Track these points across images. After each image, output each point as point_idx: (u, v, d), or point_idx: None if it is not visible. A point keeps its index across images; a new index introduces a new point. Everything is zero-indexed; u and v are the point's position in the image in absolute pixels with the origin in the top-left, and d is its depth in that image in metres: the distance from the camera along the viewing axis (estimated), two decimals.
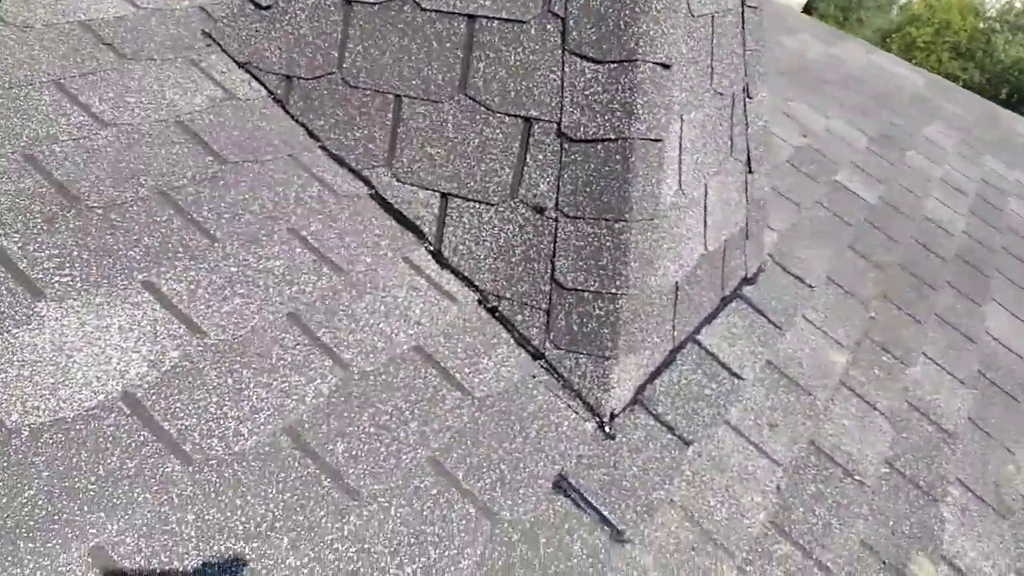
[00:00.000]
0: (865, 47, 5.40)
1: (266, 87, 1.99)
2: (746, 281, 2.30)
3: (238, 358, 1.35)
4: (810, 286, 2.49)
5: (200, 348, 1.33)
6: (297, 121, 1.95)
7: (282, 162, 1.82)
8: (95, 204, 1.48)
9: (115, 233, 1.44)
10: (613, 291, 1.62)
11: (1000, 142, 4.87)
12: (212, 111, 1.85)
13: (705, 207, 1.94)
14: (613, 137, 1.58)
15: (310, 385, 1.38)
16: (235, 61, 2.01)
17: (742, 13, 2.00)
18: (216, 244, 1.53)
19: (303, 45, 1.91)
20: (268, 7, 1.95)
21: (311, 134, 1.94)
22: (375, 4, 1.81)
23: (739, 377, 1.97)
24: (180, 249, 1.49)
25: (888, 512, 1.88)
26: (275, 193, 1.73)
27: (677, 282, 1.83)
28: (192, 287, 1.43)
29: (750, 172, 2.18)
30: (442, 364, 1.56)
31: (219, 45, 2.04)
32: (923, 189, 3.63)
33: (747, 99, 2.10)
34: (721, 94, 1.94)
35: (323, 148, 1.92)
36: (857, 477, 1.91)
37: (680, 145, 1.75)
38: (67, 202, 1.45)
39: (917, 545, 1.84)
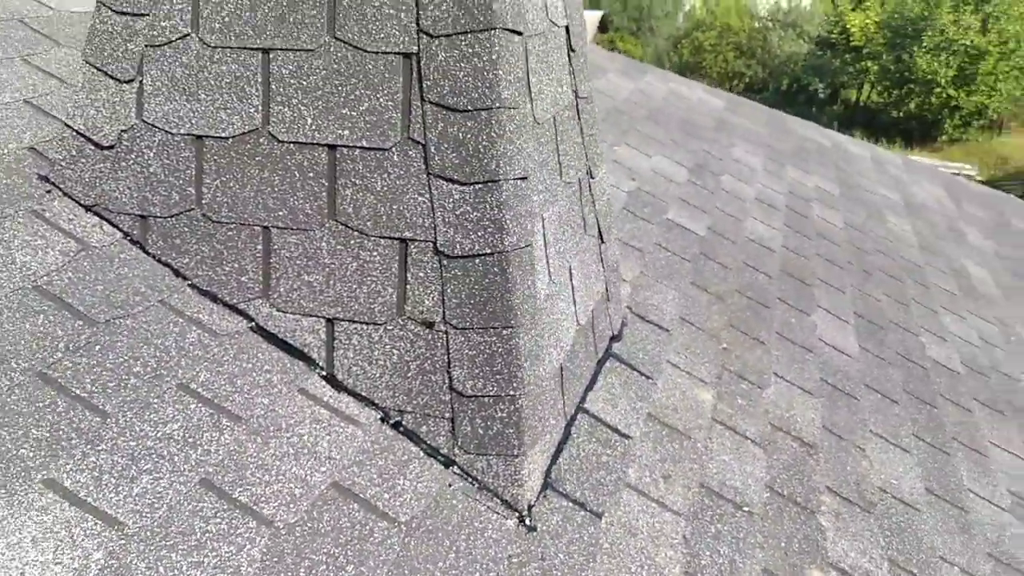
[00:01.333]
0: (663, 76, 5.85)
1: (120, 229, 1.93)
2: (614, 339, 2.47)
3: (163, 542, 1.32)
4: (667, 330, 2.70)
5: (123, 541, 1.29)
6: (160, 261, 1.91)
7: (154, 310, 1.78)
8: None
9: None
10: (511, 393, 1.71)
11: (795, 151, 5.43)
12: (69, 267, 1.78)
13: (572, 287, 2.08)
14: (488, 252, 1.68)
15: (241, 553, 1.37)
16: (82, 205, 1.94)
17: (577, 107, 2.16)
18: (109, 420, 1.49)
19: (155, 183, 1.88)
20: (111, 147, 1.90)
21: (177, 273, 1.91)
22: (228, 138, 1.82)
23: (627, 436, 2.12)
24: (73, 435, 1.43)
25: (778, 535, 2.08)
26: (155, 347, 1.69)
27: (561, 364, 1.95)
28: (96, 475, 1.38)
29: (602, 242, 2.35)
30: (362, 496, 1.59)
31: (60, 190, 1.96)
32: (742, 211, 4.00)
33: (591, 180, 2.26)
34: (569, 183, 2.09)
35: (192, 286, 1.89)
36: (746, 508, 2.11)
37: (544, 242, 1.87)
38: None
39: (808, 560, 2.05)
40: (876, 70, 27.59)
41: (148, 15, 1.82)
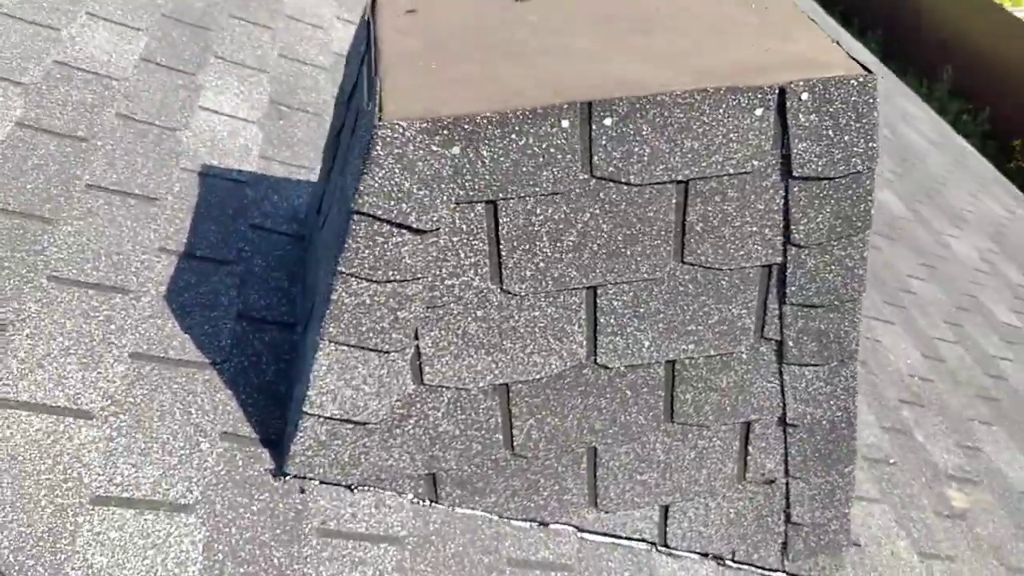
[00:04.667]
0: None
1: (401, 492, 1.65)
2: None
3: None
4: None
5: None
6: (456, 506, 1.69)
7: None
8: None
9: None
10: (846, 511, 1.89)
11: None
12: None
13: None
14: (839, 415, 1.74)
15: None
16: (345, 486, 1.60)
17: None
18: None
19: (447, 441, 1.60)
20: (373, 422, 1.55)
21: (490, 510, 1.71)
22: (542, 379, 1.58)
23: None
24: None
25: None
26: None
27: None
28: None
29: None
30: None
31: (319, 481, 1.58)
32: None
33: None
34: None
35: (501, 516, 1.72)
36: None
37: None
38: None
39: None
40: None
41: (424, 278, 1.42)
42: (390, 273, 1.40)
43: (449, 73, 1.40)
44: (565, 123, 1.34)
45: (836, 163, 1.45)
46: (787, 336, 1.63)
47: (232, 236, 1.99)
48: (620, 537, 1.81)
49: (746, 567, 1.92)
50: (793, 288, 1.57)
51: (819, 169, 1.45)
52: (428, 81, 1.38)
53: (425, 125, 1.30)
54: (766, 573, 1.93)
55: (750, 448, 1.77)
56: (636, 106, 1.34)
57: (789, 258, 1.53)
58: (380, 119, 1.29)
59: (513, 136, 1.33)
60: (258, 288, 1.90)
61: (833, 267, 1.56)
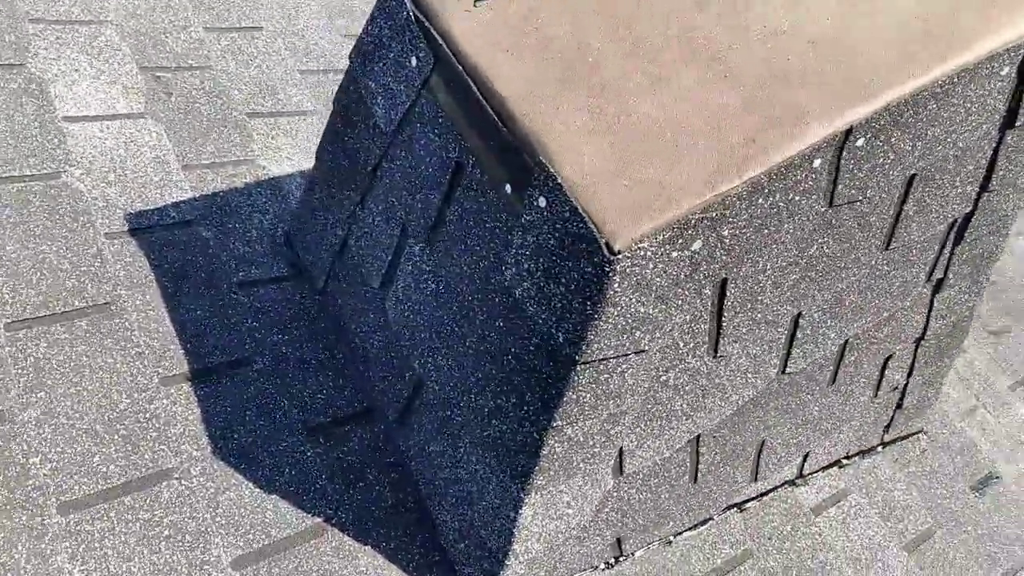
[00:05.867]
0: None
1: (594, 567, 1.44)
2: None
3: None
4: None
5: None
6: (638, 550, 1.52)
7: None
8: None
9: None
10: (939, 388, 1.90)
11: None
12: None
13: None
14: (967, 314, 1.67)
15: None
16: None
17: None
18: None
19: (638, 507, 1.39)
20: (574, 535, 1.29)
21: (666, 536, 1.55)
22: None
23: None
24: None
25: None
26: None
27: None
28: None
29: None
30: None
31: None
32: None
33: None
34: None
35: (676, 536, 1.57)
36: None
37: None
38: None
39: None
40: None
41: (641, 388, 1.10)
42: (609, 404, 1.06)
43: (628, 127, 0.97)
44: (817, 163, 0.99)
45: None
46: (950, 272, 1.48)
47: (225, 313, 1.47)
48: (768, 492, 1.72)
49: (856, 457, 1.92)
50: (972, 230, 1.39)
51: None
52: (617, 152, 0.94)
53: (669, 233, 0.90)
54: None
55: (887, 372, 1.68)
56: (895, 114, 1.01)
57: (980, 205, 1.33)
58: (612, 249, 0.88)
59: (760, 201, 0.97)
60: (299, 378, 1.45)
61: (1011, 196, 1.38)
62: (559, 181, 0.92)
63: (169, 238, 1.56)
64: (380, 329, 1.39)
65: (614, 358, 0.98)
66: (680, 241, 0.92)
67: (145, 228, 1.55)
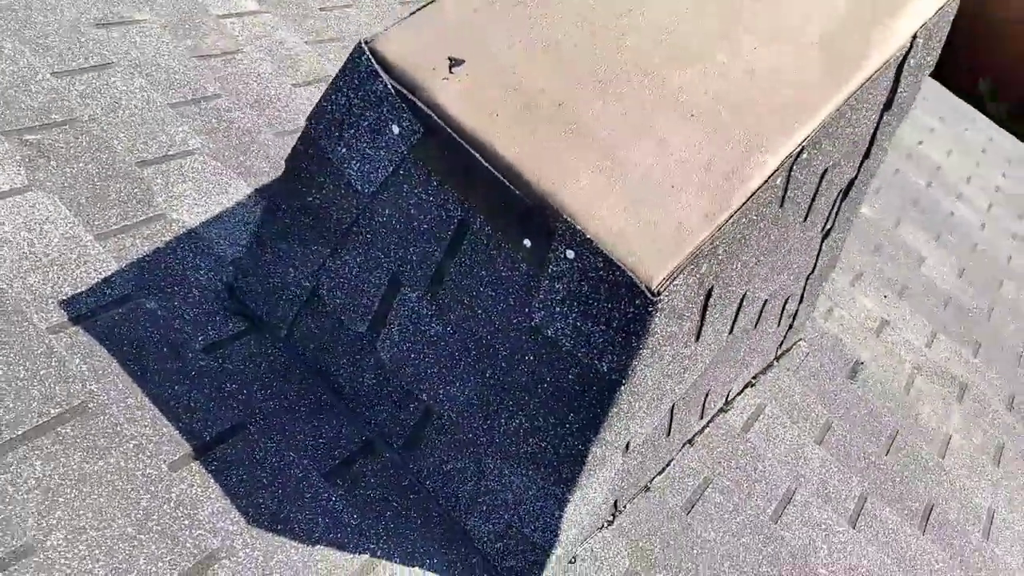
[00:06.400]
0: None
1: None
2: None
3: None
4: None
5: None
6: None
7: None
8: None
9: None
10: (816, 299, 2.23)
11: None
12: None
13: None
14: (839, 248, 1.98)
15: None
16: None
17: None
18: None
19: (632, 473, 1.59)
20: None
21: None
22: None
23: None
24: None
25: None
26: None
27: None
28: None
29: None
30: None
31: None
32: None
33: None
34: None
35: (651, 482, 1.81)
36: None
37: None
38: None
39: None
40: None
41: (654, 386, 1.28)
42: (633, 404, 1.22)
43: (626, 177, 1.10)
44: (779, 180, 1.17)
45: (920, 81, 1.47)
46: (836, 221, 1.75)
47: (202, 383, 1.47)
48: (707, 424, 1.98)
49: (760, 375, 2.23)
50: (854, 189, 1.65)
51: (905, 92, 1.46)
52: (625, 201, 1.08)
53: (688, 266, 1.06)
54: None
55: (787, 306, 1.96)
56: (827, 127, 1.21)
57: (861, 170, 1.59)
58: (652, 290, 1.02)
59: (741, 219, 1.15)
60: (296, 428, 1.49)
61: (880, 156, 1.66)
62: (588, 236, 1.04)
63: (115, 319, 1.52)
64: (371, 368, 1.46)
65: (643, 369, 1.14)
66: (693, 268, 1.08)
67: (87, 315, 1.50)
